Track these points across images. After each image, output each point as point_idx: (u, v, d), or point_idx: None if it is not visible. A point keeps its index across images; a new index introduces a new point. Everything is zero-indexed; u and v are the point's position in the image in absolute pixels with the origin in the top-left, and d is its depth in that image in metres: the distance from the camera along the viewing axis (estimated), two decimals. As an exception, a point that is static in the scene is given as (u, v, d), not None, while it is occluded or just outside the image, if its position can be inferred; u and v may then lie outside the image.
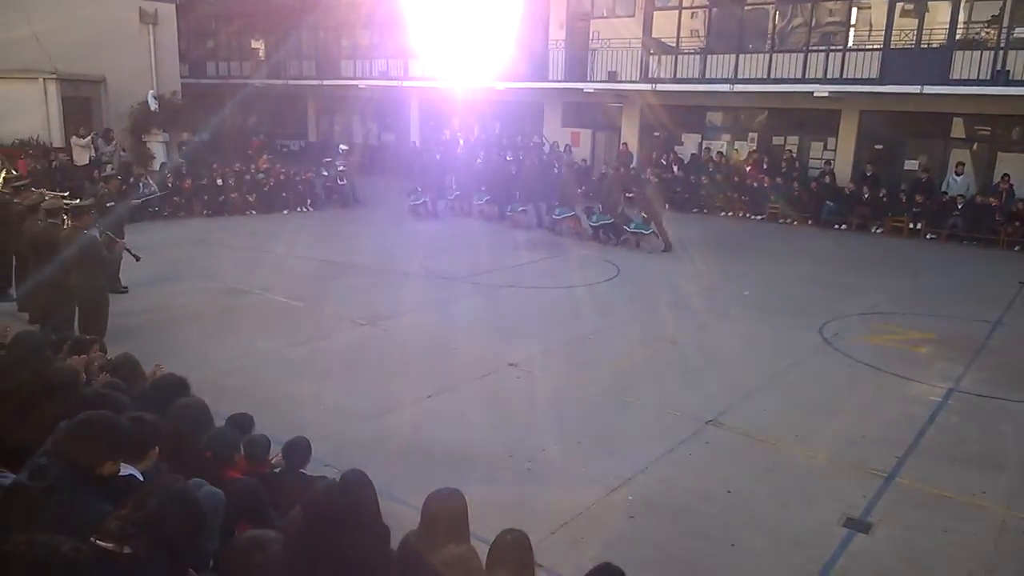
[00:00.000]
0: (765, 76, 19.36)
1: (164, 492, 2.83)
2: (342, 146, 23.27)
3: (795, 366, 8.69)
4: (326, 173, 20.38)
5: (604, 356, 8.84)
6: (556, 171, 22.38)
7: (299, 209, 18.90)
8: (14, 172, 12.13)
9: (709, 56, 20.45)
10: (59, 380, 4.23)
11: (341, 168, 20.37)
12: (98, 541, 2.51)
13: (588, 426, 6.94)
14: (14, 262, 9.49)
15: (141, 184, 16.66)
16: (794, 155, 20.05)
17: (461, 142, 24.56)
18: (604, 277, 12.79)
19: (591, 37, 22.63)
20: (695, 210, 20.21)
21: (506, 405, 7.37)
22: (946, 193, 17.53)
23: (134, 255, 9.20)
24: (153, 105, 20.78)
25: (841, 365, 8.78)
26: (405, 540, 3.57)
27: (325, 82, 28.48)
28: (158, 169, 19.04)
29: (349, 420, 6.80)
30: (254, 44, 31.08)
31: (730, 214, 19.85)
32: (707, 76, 20.36)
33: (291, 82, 29.22)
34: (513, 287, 11.99)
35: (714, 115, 22.09)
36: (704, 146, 21.81)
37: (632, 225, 15.50)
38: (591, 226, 16.15)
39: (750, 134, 21.35)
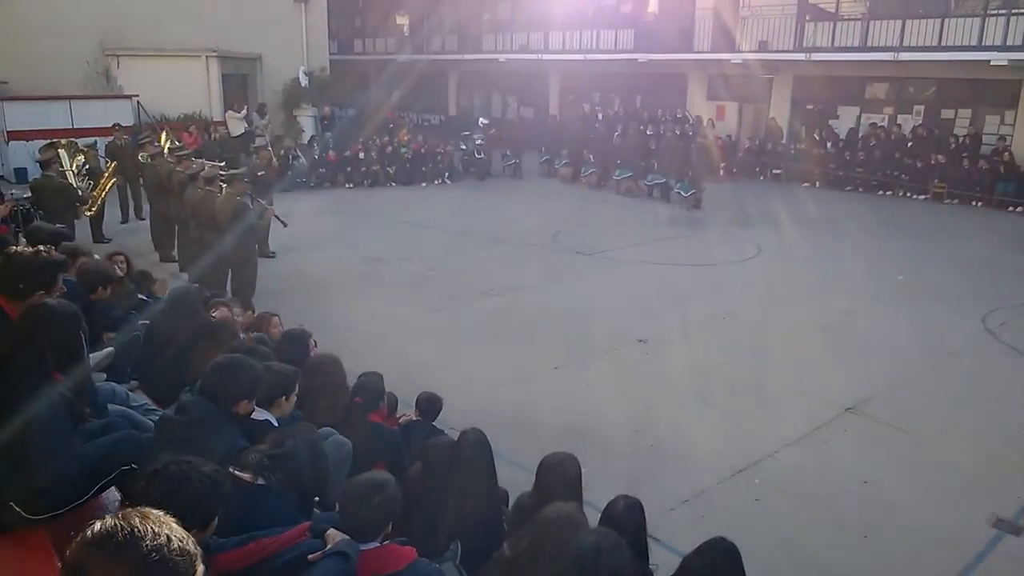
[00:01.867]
0: (935, 44, 17.72)
1: (298, 436, 3.00)
2: (482, 120, 23.60)
3: (951, 356, 8.05)
4: (464, 147, 20.76)
5: (740, 336, 8.54)
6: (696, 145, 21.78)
7: (437, 182, 19.39)
8: (178, 143, 13.15)
9: (872, 22, 19.03)
10: (216, 330, 4.59)
11: (479, 142, 20.67)
12: (235, 471, 2.69)
13: (717, 406, 6.77)
14: (176, 227, 10.30)
15: (291, 156, 17.64)
16: (966, 130, 18.34)
17: (599, 116, 24.25)
18: (745, 256, 12.31)
19: (741, 5, 21.65)
20: (849, 188, 18.99)
21: (633, 380, 7.30)
22: None
23: (282, 221, 9.76)
24: (304, 81, 21.91)
25: (1004, 357, 8.04)
26: (518, 500, 3.62)
27: (466, 56, 28.93)
28: (307, 142, 20.07)
29: (476, 388, 6.95)
30: (399, 20, 31.98)
31: (889, 193, 18.51)
32: (869, 44, 18.96)
33: (433, 57, 29.89)
34: (648, 263, 11.78)
35: (876, 86, 20.56)
36: (863, 120, 20.37)
37: (679, 185, 16.59)
38: (646, 184, 17.95)
39: (916, 107, 19.72)
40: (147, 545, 1.39)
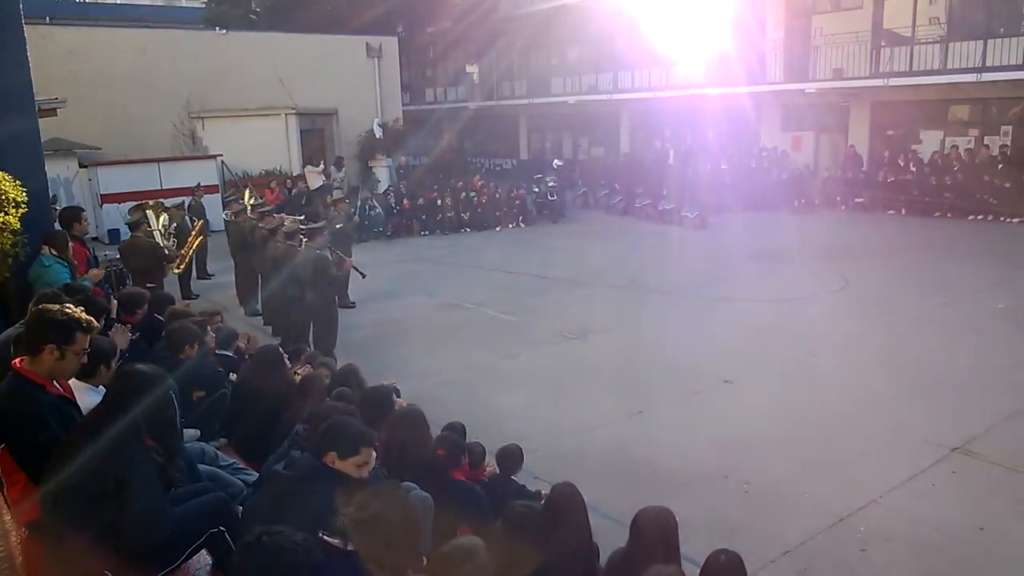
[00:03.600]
0: (1019, 63, 16.99)
1: (386, 496, 2.95)
2: (556, 161, 23.75)
3: (1066, 390, 7.45)
4: (537, 189, 20.88)
5: (832, 374, 8.15)
6: (775, 177, 21.37)
7: (511, 225, 19.51)
8: (260, 199, 13.65)
9: (951, 44, 18.38)
10: (304, 386, 4.65)
11: (552, 184, 20.76)
12: (325, 536, 2.66)
13: (813, 449, 6.42)
14: (259, 280, 10.62)
15: (367, 207, 18.09)
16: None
17: (671, 152, 24.08)
18: (831, 288, 11.85)
19: (812, 34, 21.29)
20: (937, 214, 18.18)
21: (721, 423, 7.03)
22: None
23: (361, 272, 9.94)
24: (378, 133, 22.60)
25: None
26: (612, 557, 3.48)
27: (535, 100, 29.30)
28: (382, 192, 20.59)
29: (558, 433, 6.83)
30: (468, 68, 32.75)
31: (980, 217, 17.63)
32: (949, 67, 18.30)
33: (503, 102, 30.40)
34: (730, 299, 11.48)
35: (959, 108, 19.78)
36: (947, 143, 19.57)
37: (684, 208, 18.52)
38: (661, 210, 19.48)
39: (1003, 128, 18.84)
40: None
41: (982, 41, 17.65)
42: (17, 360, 3.24)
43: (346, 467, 3.16)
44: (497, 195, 20.09)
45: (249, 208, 11.98)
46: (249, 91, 20.63)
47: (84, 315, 3.27)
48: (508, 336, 10.00)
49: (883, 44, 19.63)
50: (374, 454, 3.35)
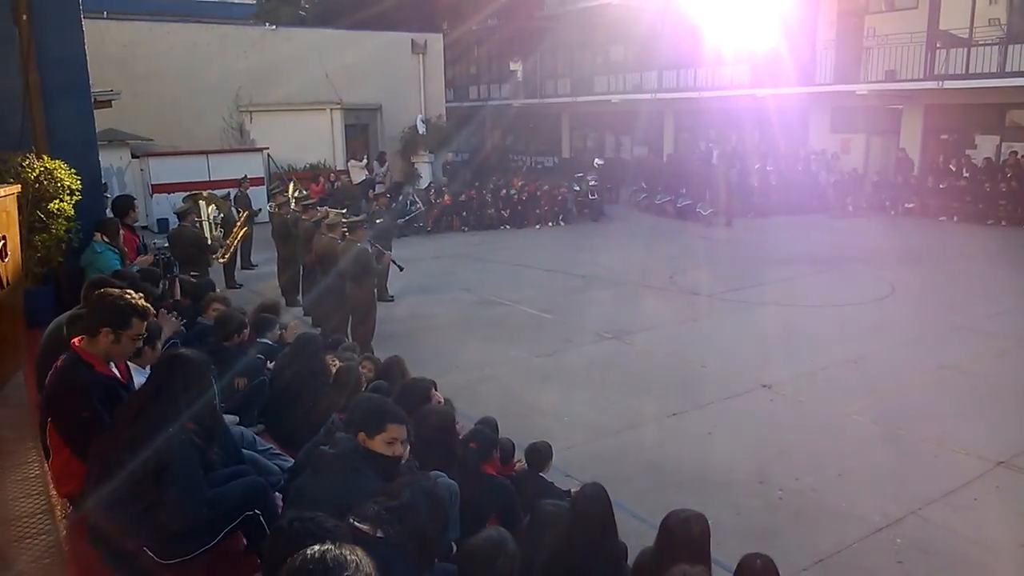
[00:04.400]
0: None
1: (417, 486, 2.99)
2: (597, 160, 23.66)
3: (1120, 406, 7.20)
4: (578, 188, 20.83)
5: (875, 382, 7.99)
6: (823, 180, 21.02)
7: (551, 224, 19.49)
8: (304, 192, 13.85)
9: (1011, 46, 17.84)
10: (340, 376, 4.72)
11: (592, 183, 20.69)
12: (355, 522, 2.70)
13: (851, 457, 6.31)
14: (302, 272, 10.78)
15: (408, 202, 18.24)
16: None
17: (715, 153, 23.81)
18: (877, 295, 11.61)
19: (865, 34, 20.85)
20: (991, 221, 17.68)
21: (758, 429, 6.95)
22: None
23: (399, 266, 10.04)
24: (421, 129, 22.76)
25: None
26: (640, 557, 3.47)
27: (579, 99, 29.23)
28: (424, 188, 20.75)
29: (591, 432, 6.82)
30: (512, 66, 32.81)
31: (1036, 225, 17.10)
32: (1007, 69, 17.77)
33: (546, 100, 30.37)
34: (771, 304, 11.32)
35: (1017, 113, 19.18)
36: (1004, 148, 19.00)
37: (699, 206, 19.35)
38: (676, 207, 20.14)
39: (1064, 132, 18.26)
40: (349, 572, 1.65)
41: (1042, 43, 17.12)
42: (76, 339, 3.37)
43: (376, 446, 3.21)
44: (538, 193, 20.09)
45: (293, 201, 12.17)
46: (296, 86, 20.97)
47: (142, 302, 3.39)
48: (545, 334, 10.00)
49: (938, 45, 19.15)
50: (405, 431, 3.38)
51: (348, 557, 1.67)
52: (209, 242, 9.82)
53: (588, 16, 27.28)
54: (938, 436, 6.61)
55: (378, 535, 2.73)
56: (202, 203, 10.34)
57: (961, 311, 10.54)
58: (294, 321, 7.50)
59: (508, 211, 19.38)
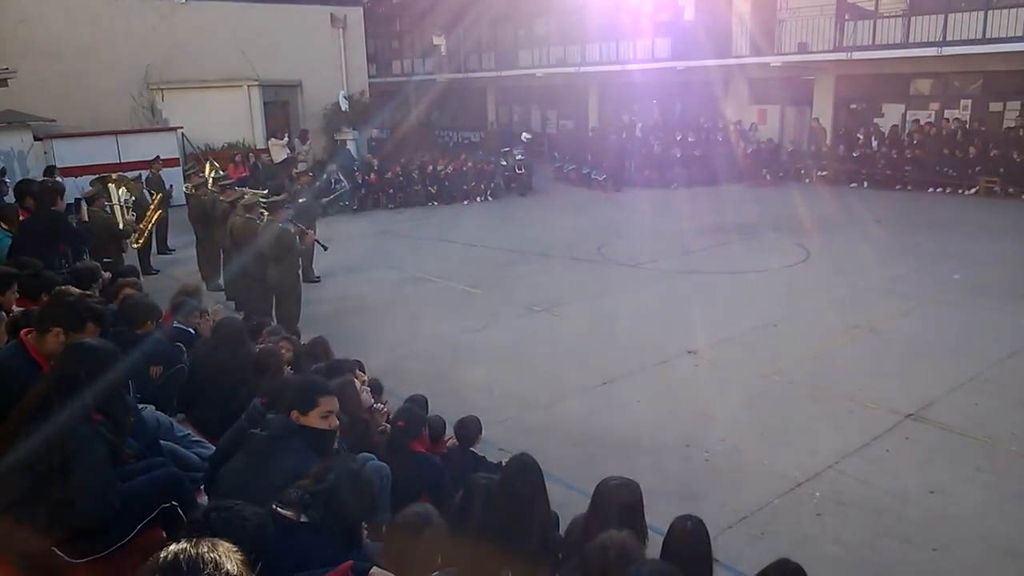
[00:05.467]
0: (980, 36, 17.24)
1: (341, 469, 2.95)
2: (525, 134, 23.60)
3: (1013, 356, 7.70)
4: (504, 163, 20.77)
5: (793, 345, 8.29)
6: (741, 150, 21.53)
7: (478, 199, 19.42)
8: (222, 172, 13.40)
9: (913, 18, 18.56)
10: (263, 360, 4.59)
11: (520, 157, 20.67)
12: (278, 508, 2.65)
13: (773, 417, 6.55)
14: (221, 254, 10.46)
15: (332, 180, 17.86)
16: (1016, 122, 17.76)
17: (639, 126, 24.10)
18: (794, 260, 12.02)
19: (778, 7, 21.34)
20: (898, 187, 18.49)
21: (684, 393, 7.13)
22: None
23: (323, 245, 9.83)
24: (344, 105, 22.24)
25: (1073, 356, 7.65)
26: (572, 525, 3.52)
27: (503, 73, 29.06)
28: (347, 166, 20.32)
29: (523, 405, 6.87)
30: (435, 40, 32.33)
31: (939, 190, 17.97)
32: (911, 40, 18.49)
33: (471, 75, 30.10)
34: (695, 272, 11.58)
35: (920, 82, 20.03)
36: (908, 117, 19.84)
37: (593, 172, 20.85)
38: (580, 174, 21.45)
39: (962, 101, 19.14)
40: (209, 572, 1.50)
41: (943, 15, 17.86)
42: (26, 331, 3.28)
43: (311, 421, 3.18)
44: (465, 168, 19.95)
45: (210, 181, 11.76)
46: (210, 62, 20.14)
47: (99, 307, 3.30)
48: (473, 309, 9.99)
49: (847, 18, 19.75)
50: (336, 402, 3.34)
51: (205, 556, 1.53)
52: (121, 227, 9.41)
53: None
54: (852, 393, 6.91)
55: (302, 520, 2.69)
56: (111, 186, 9.89)
57: (871, 274, 11.01)
58: (217, 306, 7.28)
59: (435, 187, 19.20)
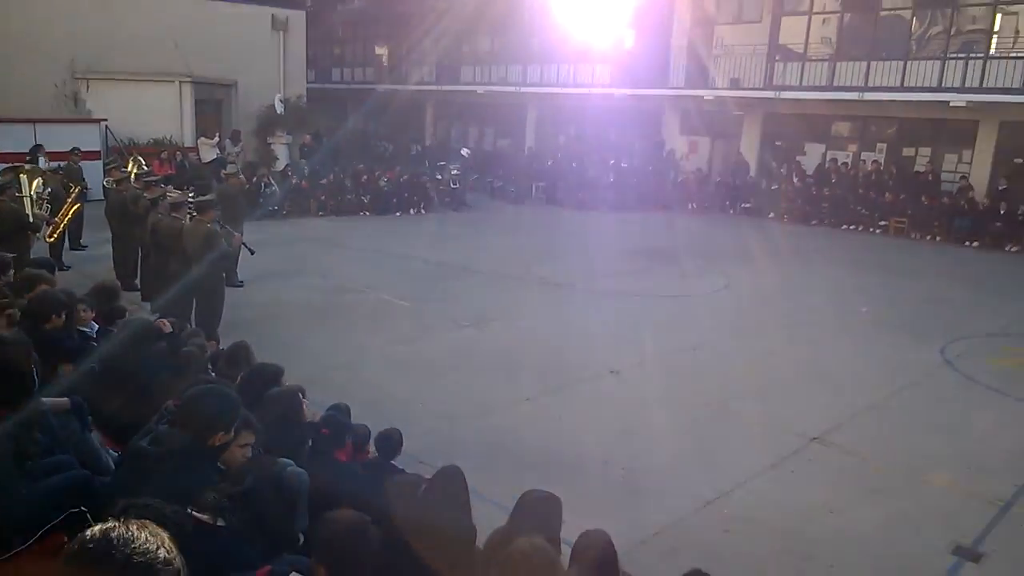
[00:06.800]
0: (898, 84, 18.30)
1: (259, 472, 2.93)
2: (464, 150, 23.69)
3: (912, 386, 8.18)
4: (440, 177, 20.81)
5: (710, 368, 8.60)
6: (671, 179, 22.13)
7: (412, 212, 19.37)
8: (146, 168, 13.02)
9: (839, 63, 19.56)
10: (183, 363, 4.50)
11: (455, 172, 20.75)
12: (194, 512, 2.61)
13: (687, 437, 6.76)
14: (139, 253, 10.12)
15: (263, 184, 17.55)
16: (925, 168, 18.89)
17: (568, 147, 24.54)
18: (715, 288, 12.43)
19: (714, 43, 22.12)
20: (815, 222, 19.35)
21: (605, 411, 7.28)
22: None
23: (250, 249, 9.65)
24: (279, 108, 21.88)
25: (962, 387, 8.22)
26: (492, 537, 3.56)
27: (444, 87, 29.12)
28: (280, 170, 19.99)
29: (447, 419, 6.89)
30: (378, 50, 32.16)
31: (853, 227, 18.89)
32: (835, 84, 19.46)
33: (412, 88, 30.04)
34: (620, 294, 11.85)
35: (841, 124, 21.07)
36: (828, 156, 20.83)
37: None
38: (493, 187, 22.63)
39: (879, 144, 20.23)
40: (137, 548, 1.44)
41: (866, 63, 18.88)
42: None
43: (225, 439, 3.12)
44: (400, 180, 19.90)
45: (133, 176, 11.39)
46: (141, 55, 19.48)
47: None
48: (402, 321, 9.97)
49: (777, 58, 20.63)
50: (254, 437, 3.31)
51: (136, 533, 1.46)
52: (31, 219, 9.01)
53: (455, 5, 27.20)
54: (763, 416, 7.21)
55: (219, 524, 2.66)
56: (23, 177, 9.48)
57: (787, 303, 11.51)
58: (131, 306, 7.06)
59: (368, 197, 19.07)
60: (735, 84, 21.20)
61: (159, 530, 1.53)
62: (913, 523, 5.42)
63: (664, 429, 6.89)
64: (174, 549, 1.51)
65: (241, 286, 10.91)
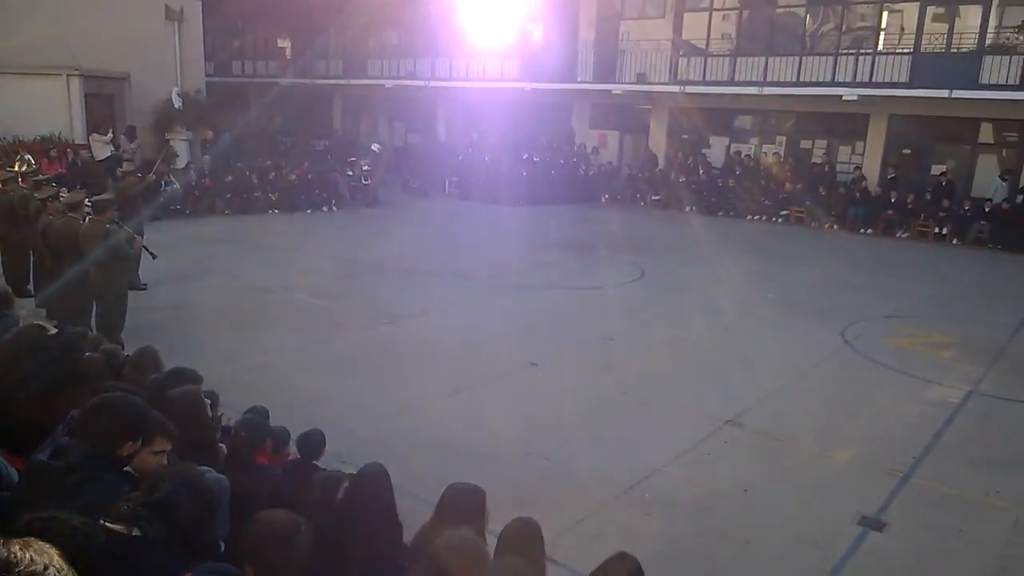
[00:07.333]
0: (795, 79, 19.17)
1: (176, 478, 2.81)
2: (375, 145, 23.33)
3: (816, 367, 8.61)
4: (351, 173, 20.46)
5: (627, 357, 8.80)
6: (583, 173, 22.45)
7: (323, 209, 19.00)
8: (34, 166, 12.27)
9: (739, 58, 20.30)
10: (83, 372, 4.25)
11: (366, 168, 20.43)
12: (107, 523, 2.49)
13: (608, 425, 6.91)
14: (32, 257, 9.56)
15: (164, 182, 16.80)
16: (822, 159, 19.87)
17: (480, 142, 24.57)
18: (630, 278, 12.70)
19: (620, 38, 22.55)
20: (721, 213, 20.05)
21: (526, 403, 7.35)
22: (973, 199, 17.35)
23: (151, 252, 9.25)
24: (177, 103, 20.99)
25: (862, 367, 8.71)
26: (419, 533, 3.54)
27: (352, 81, 28.63)
28: (182, 167, 19.19)
29: (368, 417, 6.81)
30: (280, 43, 31.32)
31: (757, 217, 19.67)
32: (736, 79, 20.20)
33: (318, 81, 29.39)
34: (537, 287, 11.97)
35: (743, 118, 21.90)
36: (732, 149, 21.61)
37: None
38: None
39: (778, 137, 21.15)
40: (22, 571, 1.35)
41: (764, 58, 19.67)
42: None
43: (142, 458, 2.98)
44: (309, 176, 19.45)
45: (20, 176, 10.71)
46: (24, 47, 18.27)
47: None
48: (316, 320, 9.78)
49: (681, 53, 21.23)
50: (169, 444, 3.18)
51: (18, 554, 1.37)
52: None
53: (360, -3, 26.79)
54: (678, 401, 7.44)
55: (134, 534, 2.54)
56: None
57: (699, 291, 11.89)
58: (23, 312, 6.64)
59: (277, 194, 18.56)
60: (641, 79, 21.70)
61: (47, 547, 1.45)
62: (821, 497, 5.72)
63: (583, 418, 7.02)
64: (65, 567, 1.44)
65: (144, 288, 10.45)
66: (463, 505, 3.31)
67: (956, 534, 5.27)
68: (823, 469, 6.19)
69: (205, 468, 3.52)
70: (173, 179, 17.17)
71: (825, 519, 5.39)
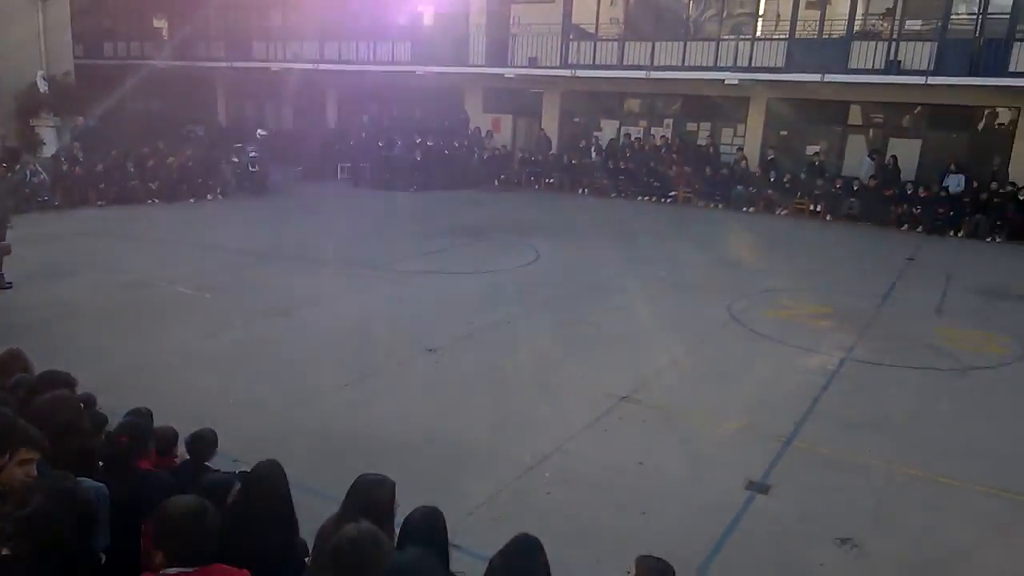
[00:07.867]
0: (679, 64, 19.78)
1: (49, 489, 2.64)
2: (260, 131, 22.49)
3: (704, 342, 8.98)
4: (236, 159, 19.67)
5: (523, 339, 8.90)
6: (476, 157, 22.44)
7: (208, 197, 18.21)
8: None
9: (627, 43, 20.73)
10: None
11: (253, 154, 19.69)
12: (-31, 546, 2.31)
13: (506, 408, 6.97)
14: None
15: (28, 172, 15.67)
16: (707, 141, 20.63)
17: (372, 127, 24.17)
18: (524, 262, 12.82)
19: (512, 22, 22.58)
20: (614, 195, 20.51)
21: (424, 391, 7.31)
22: (844, 177, 18.47)
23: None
24: (42, 87, 19.58)
25: (746, 339, 9.15)
26: (323, 527, 3.47)
27: (235, 64, 27.42)
28: (49, 156, 17.94)
29: (261, 413, 6.60)
30: (156, 23, 29.65)
31: (647, 198, 20.23)
32: (625, 63, 20.64)
33: (197, 64, 28.02)
34: (432, 273, 11.90)
35: (632, 101, 22.43)
36: (622, 132, 22.11)
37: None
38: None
39: (666, 120, 21.80)
40: None
41: (651, 43, 20.19)
42: None
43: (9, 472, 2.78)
44: (191, 164, 18.57)
45: None
46: None
47: None
48: (204, 314, 9.38)
49: (572, 37, 21.49)
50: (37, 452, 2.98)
51: None
52: None
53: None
54: (574, 380, 7.59)
55: (4, 553, 2.37)
56: None
57: (593, 272, 12.14)
58: None
59: (156, 183, 17.63)
60: (533, 63, 21.85)
61: None
62: (712, 465, 5.98)
63: (483, 402, 7.06)
64: None
65: (9, 287, 9.74)
66: (373, 495, 3.27)
67: (835, 492, 5.62)
68: (713, 439, 6.47)
69: (82, 478, 3.33)
70: (40, 169, 16.07)
71: (716, 486, 5.64)
